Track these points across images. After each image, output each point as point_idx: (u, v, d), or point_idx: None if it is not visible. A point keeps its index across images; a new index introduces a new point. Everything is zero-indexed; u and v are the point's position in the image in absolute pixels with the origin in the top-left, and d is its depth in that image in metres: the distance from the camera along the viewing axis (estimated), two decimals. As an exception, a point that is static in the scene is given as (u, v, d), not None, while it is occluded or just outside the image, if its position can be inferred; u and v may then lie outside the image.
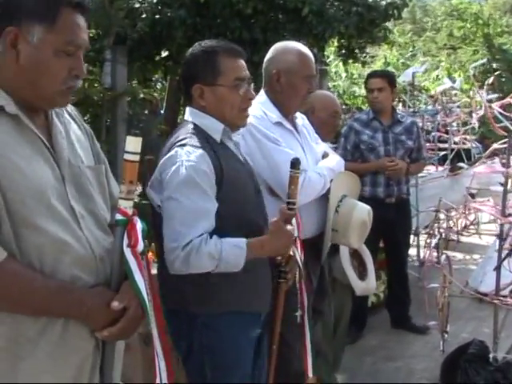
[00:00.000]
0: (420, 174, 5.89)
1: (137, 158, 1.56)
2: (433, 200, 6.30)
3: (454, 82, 8.85)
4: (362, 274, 3.34)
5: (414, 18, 28.41)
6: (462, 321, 4.91)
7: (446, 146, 8.10)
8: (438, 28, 24.27)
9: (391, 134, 4.52)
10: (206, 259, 2.01)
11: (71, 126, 1.69)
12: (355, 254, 3.31)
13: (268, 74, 2.83)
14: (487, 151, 4.88)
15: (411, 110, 7.05)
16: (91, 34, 4.40)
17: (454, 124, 8.22)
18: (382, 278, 4.94)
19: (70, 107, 1.74)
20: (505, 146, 3.85)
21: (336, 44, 8.36)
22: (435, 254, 6.06)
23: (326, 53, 9.13)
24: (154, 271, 2.18)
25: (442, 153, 8.24)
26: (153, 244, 2.57)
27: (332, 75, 12.51)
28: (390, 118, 4.58)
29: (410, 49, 18.86)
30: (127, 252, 1.56)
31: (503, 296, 3.87)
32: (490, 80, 5.07)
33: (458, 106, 8.12)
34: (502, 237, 3.74)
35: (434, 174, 7.09)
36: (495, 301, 3.72)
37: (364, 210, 2.92)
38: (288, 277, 2.40)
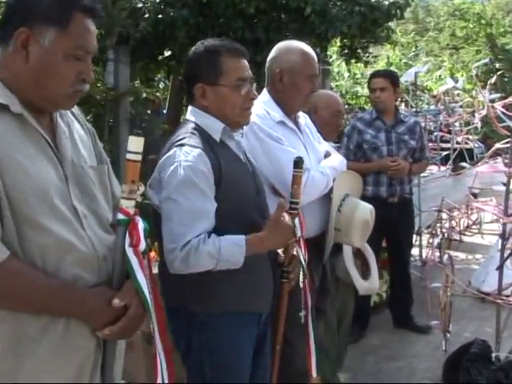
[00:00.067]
0: (422, 174, 5.89)
1: (139, 157, 1.57)
2: (435, 200, 6.29)
3: (456, 81, 8.86)
4: (365, 273, 3.34)
5: (417, 18, 28.35)
6: (464, 320, 4.90)
7: (449, 145, 8.11)
8: (440, 28, 24.22)
9: (394, 134, 4.52)
10: (205, 258, 2.02)
11: (74, 126, 1.70)
12: (358, 254, 3.31)
13: (271, 74, 2.83)
14: (490, 151, 4.87)
15: (414, 109, 7.05)
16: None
17: (457, 124, 8.22)
18: (385, 278, 4.94)
19: None
20: (507, 145, 3.85)
21: (338, 44, 8.36)
22: (437, 253, 6.07)
23: (328, 52, 9.12)
24: (156, 270, 2.18)
25: (445, 153, 8.25)
26: (156, 243, 2.58)
27: (334, 75, 12.51)
28: (393, 118, 4.58)
29: (413, 49, 18.85)
30: (129, 251, 1.57)
31: (506, 295, 3.87)
32: (493, 80, 5.06)
33: (461, 106, 8.12)
34: (504, 236, 3.74)
35: (437, 174, 7.09)
36: (498, 300, 3.72)
37: (366, 210, 2.92)
38: (291, 277, 2.39)
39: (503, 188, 3.89)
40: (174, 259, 2.03)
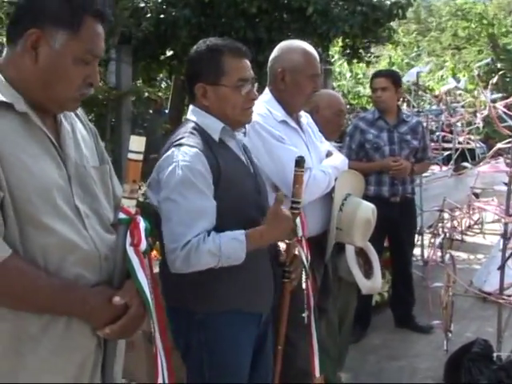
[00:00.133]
0: (424, 174, 5.89)
1: (140, 157, 1.57)
2: (437, 199, 6.30)
3: (458, 81, 8.86)
4: (367, 272, 3.34)
5: (419, 18, 28.34)
6: (465, 320, 4.90)
7: (451, 145, 8.10)
8: (442, 28, 24.21)
9: (396, 134, 4.52)
10: (207, 256, 2.02)
11: (77, 126, 1.70)
12: (361, 253, 3.31)
13: (273, 73, 2.84)
14: (491, 151, 4.87)
15: (415, 109, 7.05)
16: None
17: (459, 124, 8.22)
18: (387, 278, 4.94)
19: None
20: (509, 145, 3.85)
21: (340, 44, 8.37)
22: (439, 253, 6.07)
23: (330, 52, 9.13)
24: (157, 270, 2.19)
25: (447, 152, 8.25)
26: (157, 242, 2.58)
27: (336, 75, 12.52)
28: (396, 118, 4.58)
29: (415, 49, 18.89)
30: (130, 251, 1.57)
31: (507, 295, 3.87)
32: (495, 80, 5.05)
33: (463, 106, 8.12)
34: (506, 236, 3.74)
35: (439, 174, 7.09)
36: (499, 300, 3.72)
37: (368, 209, 2.92)
38: (292, 277, 2.38)
39: (505, 188, 3.89)
40: (175, 259, 2.03)
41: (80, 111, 1.77)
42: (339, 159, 2.98)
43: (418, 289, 4.95)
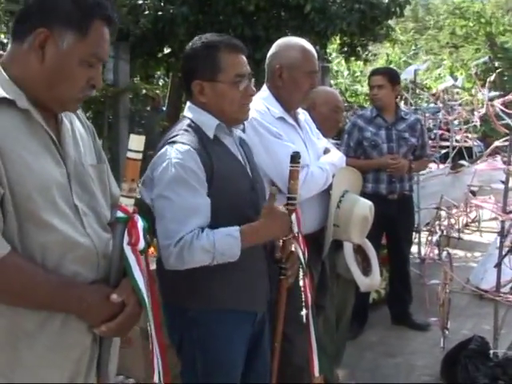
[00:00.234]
0: (422, 172, 5.90)
1: (139, 156, 1.57)
2: (434, 197, 6.30)
3: (456, 80, 8.87)
4: (366, 269, 3.34)
5: (417, 16, 28.33)
6: (462, 318, 4.91)
7: (448, 143, 8.12)
8: (440, 26, 24.21)
9: (394, 131, 4.52)
10: (200, 253, 2.01)
11: (75, 123, 1.71)
12: (359, 250, 3.32)
13: (270, 70, 2.84)
14: (489, 149, 4.88)
15: (413, 107, 7.05)
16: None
17: (456, 122, 8.23)
18: (384, 275, 4.94)
19: None
20: (506, 143, 3.86)
21: (338, 41, 8.37)
22: (436, 251, 6.08)
23: (328, 50, 9.13)
24: (154, 266, 2.19)
25: (444, 150, 8.26)
26: (155, 239, 2.59)
27: (334, 73, 12.52)
28: (394, 115, 4.58)
29: (412, 47, 18.90)
30: (127, 249, 1.57)
31: (504, 293, 3.88)
32: (492, 78, 5.06)
33: (460, 104, 8.12)
34: (502, 234, 3.75)
35: (436, 172, 7.08)
36: (496, 297, 3.73)
37: (365, 206, 2.93)
38: (288, 273, 2.36)
39: (502, 186, 3.90)
40: (168, 256, 2.03)
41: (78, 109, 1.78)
42: (337, 156, 2.98)
43: (415, 286, 4.96)
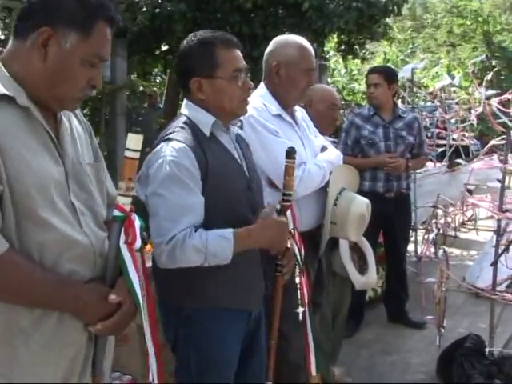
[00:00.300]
0: (418, 170, 5.91)
1: (137, 155, 1.57)
2: (431, 196, 6.31)
3: (453, 78, 8.88)
4: (362, 267, 3.34)
5: (414, 15, 28.35)
6: (458, 316, 4.93)
7: (445, 142, 8.12)
8: (437, 25, 24.23)
9: (392, 130, 4.52)
10: (192, 252, 2.00)
11: (73, 122, 1.71)
12: (356, 248, 3.31)
13: (268, 67, 2.84)
14: (485, 147, 4.89)
15: (410, 106, 7.06)
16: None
17: (453, 120, 8.24)
18: (380, 273, 4.95)
19: None
20: (503, 142, 3.87)
21: (335, 39, 8.37)
22: (432, 249, 6.09)
23: (325, 48, 9.13)
24: (150, 263, 2.19)
25: (441, 149, 8.26)
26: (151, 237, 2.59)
27: (331, 71, 12.52)
28: (391, 114, 4.58)
29: (410, 45, 18.89)
30: (123, 248, 1.57)
31: (499, 291, 3.89)
32: (489, 77, 5.08)
33: (457, 103, 8.13)
34: (499, 232, 3.76)
35: (432, 170, 7.10)
36: (492, 296, 3.74)
37: (362, 204, 2.93)
38: (284, 270, 2.35)
39: (498, 184, 3.91)
40: (160, 253, 2.02)
41: None
42: (334, 154, 2.99)
43: (411, 284, 4.96)
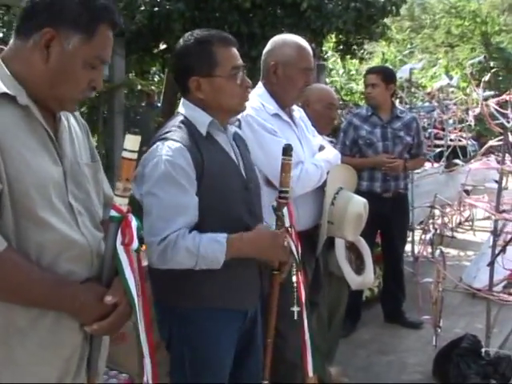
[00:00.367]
0: (416, 170, 5.92)
1: (134, 156, 1.57)
2: (428, 196, 6.32)
3: (451, 79, 8.89)
4: (359, 267, 3.34)
5: (412, 15, 28.34)
6: (455, 316, 4.94)
7: (442, 142, 8.14)
8: (436, 25, 24.24)
9: (390, 130, 4.53)
10: (184, 254, 1.99)
11: (71, 121, 1.71)
12: (353, 248, 3.31)
13: (266, 67, 2.84)
14: (483, 148, 4.90)
15: (408, 106, 7.07)
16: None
17: (451, 121, 8.25)
18: (377, 273, 4.96)
19: None
20: (500, 143, 3.87)
21: (334, 39, 8.36)
22: (429, 249, 6.10)
23: (324, 48, 9.13)
24: (146, 263, 2.19)
25: (438, 149, 8.28)
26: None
27: (329, 71, 12.52)
28: (389, 114, 4.59)
29: (408, 46, 18.89)
30: (120, 249, 1.58)
31: (496, 292, 3.90)
32: (487, 78, 5.08)
33: (455, 104, 8.15)
34: (496, 233, 3.76)
35: (430, 171, 7.12)
36: (488, 296, 3.75)
37: (360, 203, 2.93)
38: (282, 269, 2.32)
39: (495, 185, 3.92)
40: (152, 253, 2.02)
41: None
42: (332, 153, 2.99)
43: (408, 284, 4.97)
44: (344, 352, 4.06)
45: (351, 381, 3.75)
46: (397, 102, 8.54)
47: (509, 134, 3.76)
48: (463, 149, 8.95)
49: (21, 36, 1.54)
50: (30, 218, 1.46)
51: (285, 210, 2.29)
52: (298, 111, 3.01)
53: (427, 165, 7.45)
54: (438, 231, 6.85)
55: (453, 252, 6.94)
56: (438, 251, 4.84)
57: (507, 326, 4.17)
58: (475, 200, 5.07)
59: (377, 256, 4.70)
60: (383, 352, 4.32)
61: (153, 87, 9.82)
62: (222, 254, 2.02)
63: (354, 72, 13.65)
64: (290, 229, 2.33)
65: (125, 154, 1.57)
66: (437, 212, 6.92)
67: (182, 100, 2.26)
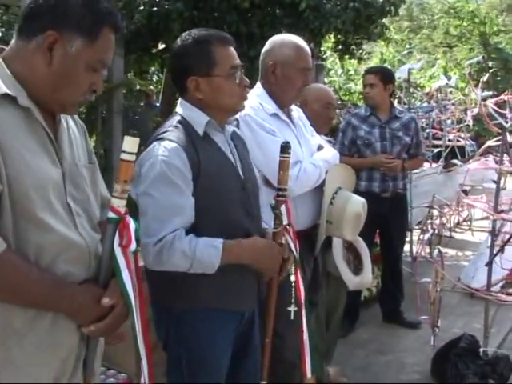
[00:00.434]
0: (414, 171, 5.93)
1: (133, 158, 1.57)
2: (426, 196, 6.33)
3: (449, 79, 8.90)
4: (357, 267, 3.33)
5: (411, 15, 28.37)
6: (453, 316, 4.94)
7: (441, 142, 8.15)
8: (434, 26, 24.27)
9: (388, 130, 4.53)
10: (179, 256, 1.99)
11: (70, 123, 1.71)
12: (351, 248, 3.31)
13: (264, 67, 2.85)
14: (481, 148, 4.90)
15: (406, 106, 7.07)
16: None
17: (449, 121, 8.26)
18: (375, 273, 4.96)
19: None
20: (499, 143, 3.88)
21: (332, 39, 8.37)
22: (428, 249, 6.10)
23: (322, 48, 9.13)
24: (142, 263, 2.19)
25: (437, 150, 8.29)
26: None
27: (328, 71, 12.53)
28: (388, 114, 4.59)
29: (407, 46, 18.92)
30: (117, 250, 1.58)
31: (494, 292, 3.91)
32: (485, 78, 5.09)
33: (453, 104, 8.15)
34: (494, 233, 3.77)
35: (428, 171, 7.12)
36: (486, 296, 3.75)
37: (358, 203, 2.93)
38: (282, 268, 2.29)
39: (494, 185, 3.92)
40: (147, 254, 2.01)
41: None
42: (330, 153, 2.99)
43: (406, 284, 4.97)
44: (342, 352, 4.06)
45: (349, 381, 3.75)
46: (395, 102, 8.56)
47: (507, 134, 3.77)
48: (461, 149, 8.96)
49: (23, 37, 1.53)
50: (30, 219, 1.46)
51: (283, 208, 2.28)
52: (296, 111, 3.01)
53: (425, 165, 7.45)
54: (436, 231, 6.85)
55: (451, 252, 6.94)
56: (436, 251, 4.86)
57: (505, 325, 4.18)
58: (473, 200, 5.07)
59: (375, 256, 4.70)
60: (381, 352, 4.32)
61: (151, 87, 9.83)
62: (217, 258, 2.02)
63: (352, 72, 13.67)
64: (288, 227, 2.31)
65: (123, 156, 1.57)
66: (435, 212, 6.93)
67: (180, 100, 2.25)
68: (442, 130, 8.15)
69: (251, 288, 2.26)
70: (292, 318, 2.43)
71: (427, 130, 8.01)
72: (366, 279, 3.38)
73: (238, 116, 2.44)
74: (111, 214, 1.58)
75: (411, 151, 4.66)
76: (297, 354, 2.56)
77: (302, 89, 2.87)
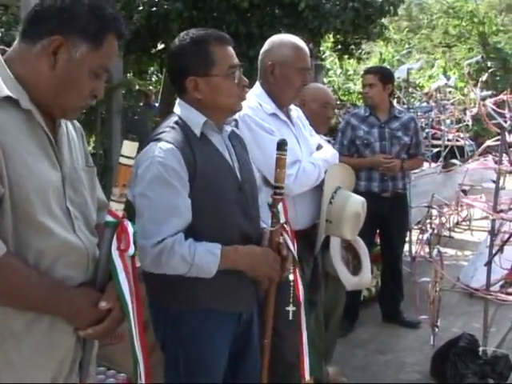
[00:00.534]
0: (414, 170, 5.93)
1: (131, 162, 1.58)
2: (425, 196, 6.33)
3: (448, 79, 8.91)
4: (356, 267, 3.33)
5: (410, 15, 28.41)
6: (452, 316, 4.94)
7: (440, 142, 8.15)
8: (433, 25, 24.28)
9: (387, 130, 4.53)
10: (178, 261, 1.99)
11: (68, 126, 1.71)
12: (350, 248, 3.31)
13: (263, 67, 2.85)
14: (480, 148, 4.91)
15: (405, 106, 7.08)
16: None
17: (448, 121, 8.26)
18: (375, 273, 4.96)
19: None
20: (498, 143, 3.88)
21: (332, 39, 8.38)
22: (427, 249, 6.10)
23: (321, 48, 9.14)
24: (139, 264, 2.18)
25: (436, 149, 8.29)
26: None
27: (327, 71, 12.54)
28: (387, 114, 4.59)
29: (406, 46, 18.93)
30: (115, 254, 1.58)
31: (494, 291, 3.91)
32: (484, 78, 5.09)
33: (452, 104, 8.16)
34: (493, 233, 3.77)
35: (427, 171, 7.12)
36: (486, 296, 3.75)
37: (358, 202, 2.93)
38: (282, 267, 2.26)
39: (493, 185, 3.92)
40: (144, 256, 2.01)
41: None
42: (329, 152, 2.99)
43: (405, 284, 4.97)
44: (342, 351, 4.06)
45: (349, 380, 3.75)
46: (394, 102, 8.56)
47: (506, 133, 3.77)
48: (461, 149, 8.96)
49: (27, 39, 1.53)
50: (30, 223, 1.46)
51: (280, 206, 2.26)
52: (295, 111, 3.01)
53: (425, 165, 7.45)
54: (436, 231, 6.85)
55: (450, 252, 6.94)
56: (435, 251, 4.85)
57: (504, 325, 4.18)
58: (473, 200, 5.08)
59: (375, 256, 4.70)
60: (381, 351, 4.33)
61: (151, 87, 9.83)
62: (215, 265, 2.03)
63: (351, 72, 13.69)
64: (285, 225, 2.30)
65: (122, 160, 1.57)
66: (434, 212, 6.93)
67: (178, 100, 2.24)
68: (441, 129, 8.16)
69: (248, 289, 2.25)
70: (291, 317, 2.42)
71: (426, 130, 8.01)
72: (365, 279, 3.37)
73: (236, 116, 2.44)
74: (109, 218, 1.58)
75: (411, 151, 4.66)
76: (297, 353, 2.56)
77: (301, 89, 2.87)
